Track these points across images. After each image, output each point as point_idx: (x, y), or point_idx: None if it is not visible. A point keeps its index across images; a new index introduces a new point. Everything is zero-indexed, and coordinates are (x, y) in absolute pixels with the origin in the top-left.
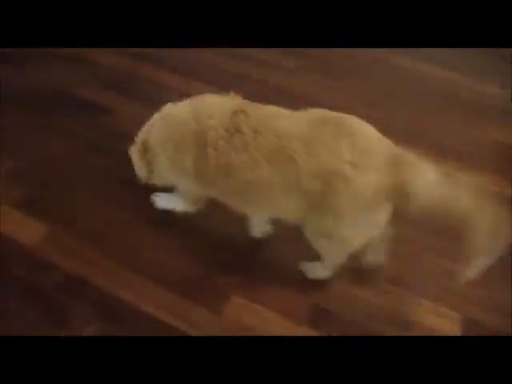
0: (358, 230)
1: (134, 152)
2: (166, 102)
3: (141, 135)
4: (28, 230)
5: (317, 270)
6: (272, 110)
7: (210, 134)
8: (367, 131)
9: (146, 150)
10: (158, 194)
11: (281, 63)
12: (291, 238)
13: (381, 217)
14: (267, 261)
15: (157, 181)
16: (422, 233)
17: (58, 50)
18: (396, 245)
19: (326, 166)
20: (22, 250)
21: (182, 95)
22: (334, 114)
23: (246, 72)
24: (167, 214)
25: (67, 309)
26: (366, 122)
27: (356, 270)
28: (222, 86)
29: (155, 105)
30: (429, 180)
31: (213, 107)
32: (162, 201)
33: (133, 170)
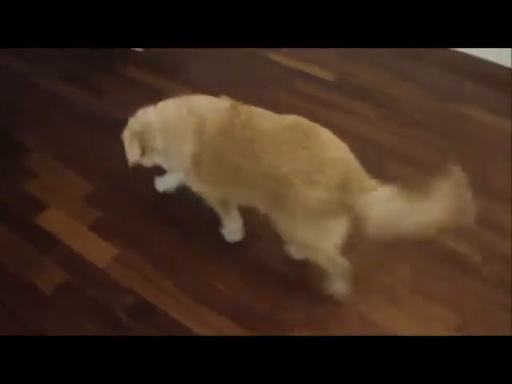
0: (312, 236)
1: (126, 137)
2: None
3: (135, 124)
4: (102, 252)
5: (333, 287)
6: (258, 110)
7: (208, 125)
8: (333, 144)
9: (141, 138)
10: (158, 178)
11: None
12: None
13: (334, 229)
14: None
15: (147, 163)
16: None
17: None
18: None
19: (282, 171)
20: (95, 270)
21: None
22: (308, 122)
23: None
24: (236, 246)
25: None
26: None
27: None
28: None
29: None
30: (379, 200)
31: (208, 104)
32: (162, 183)
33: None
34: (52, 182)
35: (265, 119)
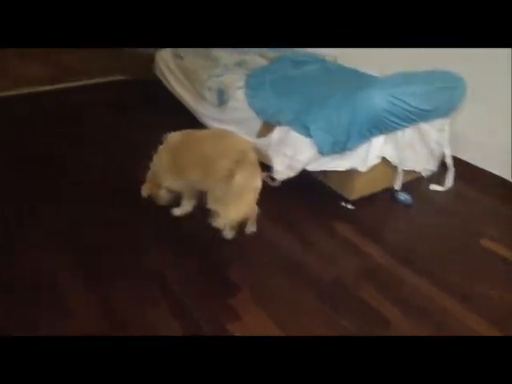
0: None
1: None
2: None
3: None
4: None
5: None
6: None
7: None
8: (239, 140)
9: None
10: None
11: None
12: None
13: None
14: None
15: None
16: None
17: None
18: None
19: (209, 154)
20: None
21: None
22: (224, 130)
23: None
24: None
25: None
26: None
27: None
28: None
29: None
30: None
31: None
32: (177, 211)
33: None
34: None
35: (198, 132)
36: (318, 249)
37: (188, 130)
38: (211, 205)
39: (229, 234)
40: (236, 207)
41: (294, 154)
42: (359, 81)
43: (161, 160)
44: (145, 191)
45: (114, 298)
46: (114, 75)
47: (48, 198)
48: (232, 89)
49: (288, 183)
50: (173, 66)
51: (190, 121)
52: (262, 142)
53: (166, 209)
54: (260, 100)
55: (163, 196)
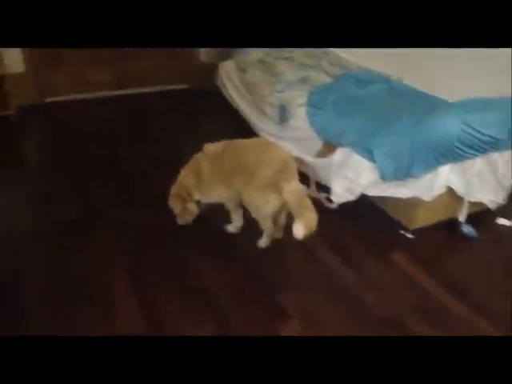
0: (259, 200)
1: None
2: None
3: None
4: None
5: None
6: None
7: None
8: (279, 150)
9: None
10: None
11: None
12: None
13: (270, 198)
14: None
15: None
16: None
17: None
18: None
19: (250, 163)
20: None
21: None
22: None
23: None
24: None
25: None
26: None
27: None
28: None
29: None
30: (291, 187)
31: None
32: (230, 228)
33: None
34: None
35: (238, 142)
36: (373, 279)
37: (226, 141)
38: (246, 205)
39: (266, 240)
40: (306, 218)
41: (355, 177)
42: (428, 104)
43: (197, 170)
44: (172, 204)
45: (159, 310)
46: (177, 84)
47: (107, 201)
48: (294, 106)
49: (345, 206)
50: (235, 78)
51: (248, 134)
52: (322, 163)
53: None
54: (322, 119)
55: (192, 210)
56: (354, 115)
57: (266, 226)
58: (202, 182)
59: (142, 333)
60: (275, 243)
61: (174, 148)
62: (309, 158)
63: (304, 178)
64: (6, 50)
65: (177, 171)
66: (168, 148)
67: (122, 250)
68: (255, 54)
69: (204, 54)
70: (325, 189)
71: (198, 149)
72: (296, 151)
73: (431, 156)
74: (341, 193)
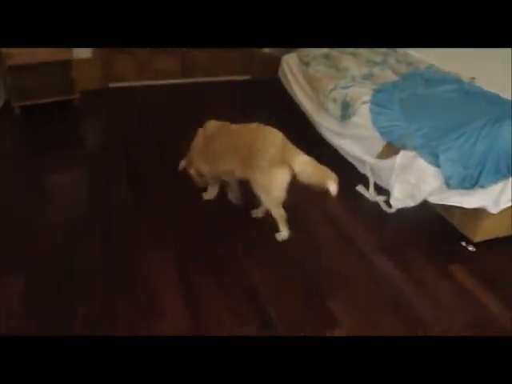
0: (266, 180)
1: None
2: None
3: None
4: None
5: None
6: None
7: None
8: (277, 133)
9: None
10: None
11: None
12: None
13: (279, 175)
14: None
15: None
16: None
17: None
18: None
19: (251, 142)
20: None
21: None
22: (263, 125)
23: None
24: None
25: None
26: None
27: None
28: None
29: None
30: (301, 159)
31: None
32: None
33: None
34: None
35: (235, 126)
36: (430, 291)
37: (226, 122)
38: (256, 191)
39: (285, 232)
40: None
41: (418, 182)
42: (502, 108)
43: (195, 142)
44: (181, 166)
45: (205, 308)
46: (240, 74)
47: (158, 188)
48: (357, 103)
49: (404, 212)
50: (297, 72)
51: (307, 129)
52: (383, 165)
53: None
54: (386, 119)
55: (194, 176)
56: (420, 116)
57: (279, 212)
58: (197, 155)
59: (186, 329)
60: (329, 246)
61: None
62: (369, 159)
63: (362, 179)
64: None
65: None
66: None
67: (169, 239)
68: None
69: None
70: (383, 191)
71: None
72: (356, 150)
73: (503, 164)
74: (401, 198)
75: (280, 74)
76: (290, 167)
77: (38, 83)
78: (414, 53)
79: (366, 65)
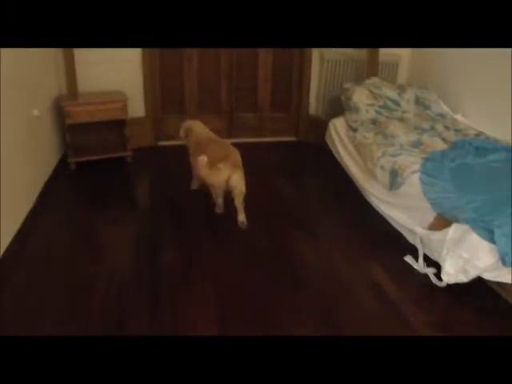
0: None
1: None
2: None
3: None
4: None
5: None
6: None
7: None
8: (229, 146)
9: (186, 132)
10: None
11: None
12: None
13: (219, 176)
14: None
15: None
16: None
17: None
18: None
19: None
20: None
21: None
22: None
23: None
24: None
25: None
26: None
27: None
28: None
29: None
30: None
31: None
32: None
33: None
34: None
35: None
36: None
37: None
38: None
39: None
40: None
41: (471, 258)
42: None
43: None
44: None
45: None
46: (285, 136)
47: (202, 247)
48: (407, 172)
49: (456, 286)
50: (344, 137)
51: (353, 194)
52: (433, 237)
53: None
54: (437, 190)
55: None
56: (471, 188)
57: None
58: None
59: None
60: (374, 316)
61: (277, 199)
62: (419, 229)
63: (411, 250)
64: (131, 97)
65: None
66: (269, 199)
67: (215, 299)
68: (366, 112)
69: (314, 107)
70: (433, 263)
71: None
72: (405, 220)
73: None
74: (453, 273)
75: (327, 137)
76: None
77: (94, 140)
78: (462, 119)
79: (414, 131)
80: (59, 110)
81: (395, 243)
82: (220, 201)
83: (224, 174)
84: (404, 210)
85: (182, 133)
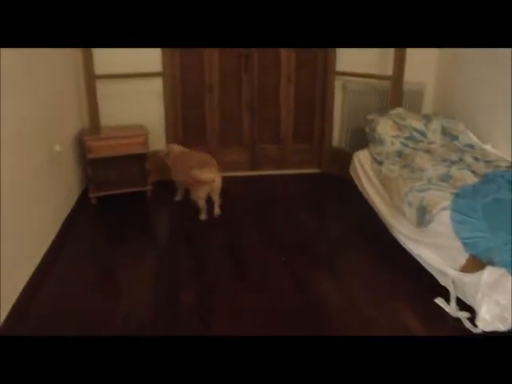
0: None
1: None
2: None
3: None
4: None
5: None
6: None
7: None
8: (206, 157)
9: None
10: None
11: None
12: None
13: (203, 187)
14: None
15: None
16: None
17: None
18: None
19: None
20: None
21: None
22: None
23: None
24: None
25: None
26: None
27: None
28: None
29: None
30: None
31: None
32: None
33: None
34: None
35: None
36: None
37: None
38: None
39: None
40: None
41: (509, 304)
42: None
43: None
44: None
45: None
46: (308, 168)
47: (226, 287)
48: (436, 209)
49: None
50: (369, 170)
51: (377, 228)
52: (467, 280)
53: None
54: (469, 229)
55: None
56: (507, 227)
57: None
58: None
59: None
60: None
61: (299, 234)
62: (451, 271)
63: (443, 292)
64: (152, 129)
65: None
66: (291, 233)
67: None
68: (392, 144)
69: (337, 139)
70: (467, 306)
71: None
72: (436, 260)
73: None
74: (489, 320)
75: (351, 170)
76: None
77: (115, 175)
78: (492, 149)
79: (442, 164)
80: (81, 145)
81: (425, 284)
82: (203, 203)
83: (211, 174)
84: (434, 249)
85: (163, 154)
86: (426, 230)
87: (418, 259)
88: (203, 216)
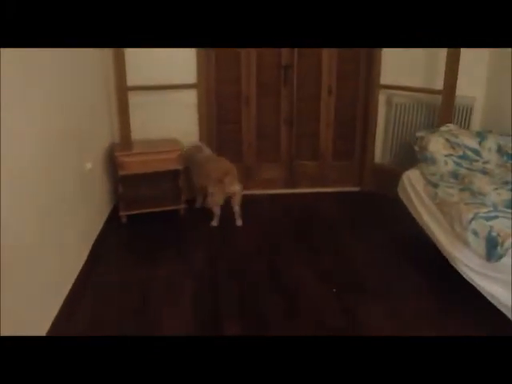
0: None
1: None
2: None
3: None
4: None
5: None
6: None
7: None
8: (225, 162)
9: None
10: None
11: None
12: None
13: (220, 190)
14: None
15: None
16: None
17: None
18: None
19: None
20: None
21: None
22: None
23: None
24: None
25: None
26: None
27: None
28: None
29: None
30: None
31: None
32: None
33: None
34: None
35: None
36: None
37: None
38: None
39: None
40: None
41: None
42: None
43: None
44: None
45: None
46: (348, 186)
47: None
48: (509, 241)
49: None
50: (422, 192)
51: (429, 254)
52: None
53: None
54: None
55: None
56: None
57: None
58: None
59: None
60: None
61: (342, 258)
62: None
63: None
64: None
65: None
66: (334, 257)
67: None
68: (445, 164)
69: (379, 155)
70: None
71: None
72: (509, 298)
73: None
74: None
75: (399, 191)
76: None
77: (146, 192)
78: None
79: (504, 187)
80: (112, 160)
81: (494, 324)
82: (218, 210)
83: (230, 185)
84: (506, 285)
85: (191, 149)
86: (498, 264)
87: (486, 295)
88: (215, 223)
